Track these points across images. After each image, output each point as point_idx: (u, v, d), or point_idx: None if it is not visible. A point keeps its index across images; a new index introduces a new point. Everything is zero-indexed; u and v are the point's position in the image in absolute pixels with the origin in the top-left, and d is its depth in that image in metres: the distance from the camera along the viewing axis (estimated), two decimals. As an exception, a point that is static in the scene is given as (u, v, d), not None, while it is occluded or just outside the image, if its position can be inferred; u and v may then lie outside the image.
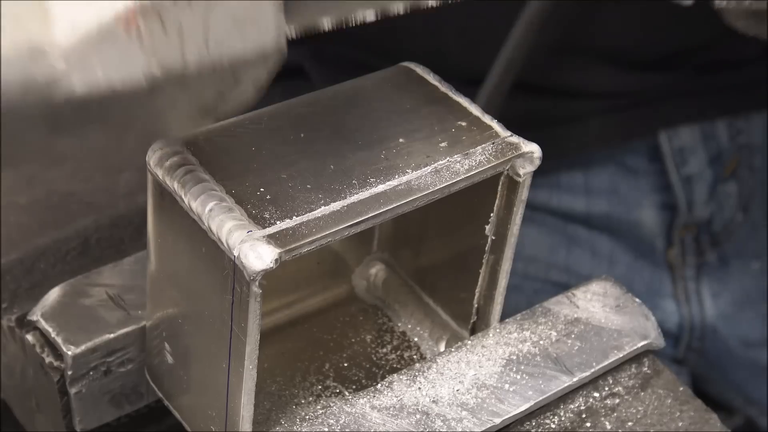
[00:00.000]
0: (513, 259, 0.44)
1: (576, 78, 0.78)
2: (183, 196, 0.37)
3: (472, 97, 0.69)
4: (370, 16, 0.36)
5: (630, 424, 0.44)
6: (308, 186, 0.38)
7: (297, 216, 0.37)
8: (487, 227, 0.43)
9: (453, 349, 0.44)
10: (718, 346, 0.83)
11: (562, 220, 0.80)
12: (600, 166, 0.80)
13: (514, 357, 0.44)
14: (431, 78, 0.44)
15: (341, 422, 0.41)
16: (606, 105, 0.79)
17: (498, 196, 0.42)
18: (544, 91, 0.79)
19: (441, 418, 0.41)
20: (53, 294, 0.46)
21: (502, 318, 0.45)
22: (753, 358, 0.83)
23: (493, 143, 0.41)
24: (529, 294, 0.79)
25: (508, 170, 0.41)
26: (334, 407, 0.41)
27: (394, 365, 0.47)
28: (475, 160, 0.40)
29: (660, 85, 0.79)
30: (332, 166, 0.39)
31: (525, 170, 0.41)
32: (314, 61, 0.83)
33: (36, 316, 0.45)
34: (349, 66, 0.82)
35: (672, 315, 0.82)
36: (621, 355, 0.45)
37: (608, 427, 0.44)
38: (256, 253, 0.35)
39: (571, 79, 0.79)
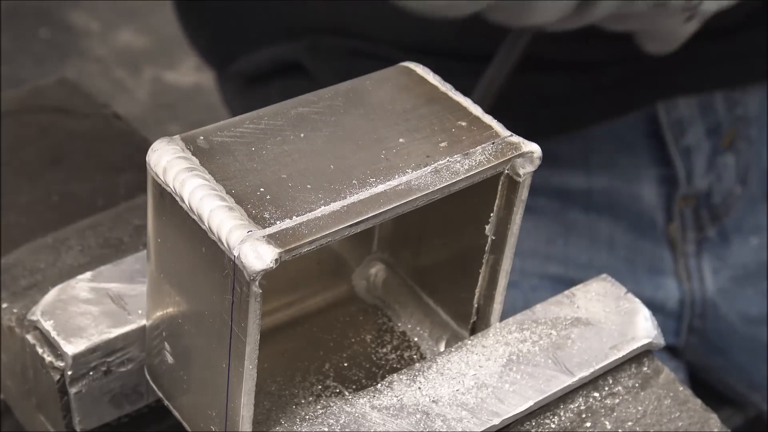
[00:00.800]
0: (513, 258, 0.44)
1: (572, 48, 0.79)
2: (183, 196, 0.37)
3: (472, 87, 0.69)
4: None
5: (630, 423, 0.44)
6: (308, 186, 0.38)
7: (297, 216, 0.37)
8: (487, 227, 0.43)
9: (453, 349, 0.44)
10: (719, 323, 0.83)
11: (561, 203, 0.80)
12: (599, 141, 0.80)
13: (514, 357, 0.44)
14: (431, 78, 0.44)
15: (341, 422, 0.41)
16: (604, 77, 0.79)
17: (498, 196, 0.42)
18: (543, 65, 0.79)
19: (441, 418, 0.41)
20: (53, 294, 0.46)
21: (502, 318, 0.45)
22: (753, 334, 0.83)
23: (493, 143, 0.41)
24: (526, 291, 0.79)
25: (508, 170, 0.41)
26: (334, 407, 0.41)
27: (394, 365, 0.47)
28: (475, 160, 0.40)
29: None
30: (332, 166, 0.39)
31: (525, 170, 0.41)
32: (311, 54, 0.83)
33: (36, 315, 0.45)
34: (346, 55, 0.82)
35: (673, 292, 0.82)
36: (621, 355, 0.45)
37: (608, 427, 0.44)
38: (256, 253, 0.35)
39: (567, 49, 0.79)
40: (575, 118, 0.80)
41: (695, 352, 0.85)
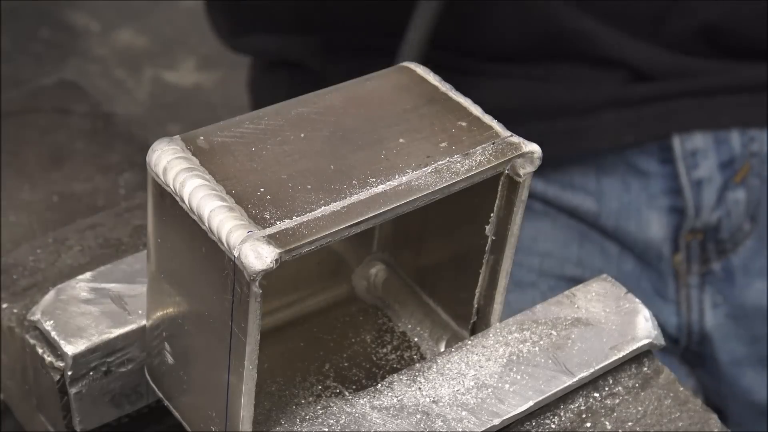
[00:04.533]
0: (513, 258, 0.44)
1: (588, 62, 0.79)
2: (183, 196, 0.37)
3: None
4: None
5: (630, 424, 0.44)
6: (308, 186, 0.38)
7: (297, 216, 0.37)
8: (487, 227, 0.43)
9: (453, 349, 0.44)
10: (711, 357, 0.83)
11: (575, 218, 0.81)
12: (612, 166, 0.80)
13: (514, 357, 0.44)
14: (431, 78, 0.44)
15: (341, 422, 0.41)
16: (619, 97, 0.79)
17: (498, 196, 0.42)
18: (555, 75, 0.80)
19: (441, 418, 0.41)
20: (53, 294, 0.46)
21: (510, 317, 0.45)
22: (737, 376, 0.84)
23: (494, 143, 0.41)
24: (545, 291, 0.79)
25: (508, 170, 0.41)
26: (334, 407, 0.41)
27: (394, 365, 0.47)
28: (475, 160, 0.40)
29: (673, 70, 0.79)
30: (332, 166, 0.39)
31: (525, 170, 0.41)
32: (315, 53, 0.83)
33: (36, 316, 0.45)
34: (344, 49, 0.82)
35: (672, 319, 0.82)
36: (621, 355, 0.45)
37: (608, 427, 0.44)
38: (256, 253, 0.35)
39: (583, 62, 0.79)
40: (589, 138, 0.79)
41: (693, 369, 0.85)
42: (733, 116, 0.80)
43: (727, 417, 0.86)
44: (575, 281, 0.80)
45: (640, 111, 0.79)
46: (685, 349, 0.83)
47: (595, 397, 0.45)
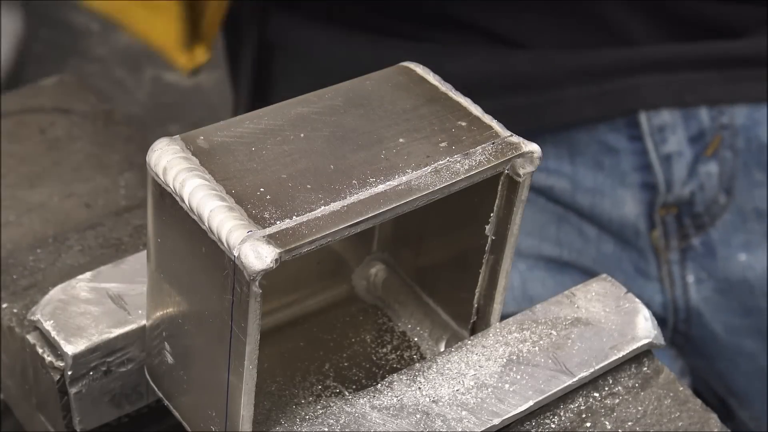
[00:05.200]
0: (513, 258, 0.44)
1: (546, 26, 0.79)
2: (183, 196, 0.37)
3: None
4: None
5: (630, 423, 0.44)
6: (308, 186, 0.38)
7: (297, 216, 0.37)
8: (487, 227, 0.43)
9: (453, 349, 0.44)
10: (703, 331, 0.83)
11: (552, 201, 0.81)
12: (585, 146, 0.80)
13: (514, 357, 0.44)
14: (431, 78, 0.44)
15: (341, 422, 0.41)
16: (580, 68, 0.79)
17: (498, 196, 0.42)
18: (510, 44, 0.80)
19: (441, 418, 0.41)
20: (53, 294, 0.46)
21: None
22: (736, 343, 0.84)
23: (493, 143, 0.41)
24: (523, 271, 0.79)
25: (508, 170, 0.41)
26: (334, 407, 0.41)
27: (394, 365, 0.47)
28: (475, 160, 0.40)
29: (636, 48, 0.80)
30: (332, 166, 0.39)
31: (525, 170, 0.41)
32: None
33: (36, 316, 0.45)
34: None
35: (657, 296, 0.82)
36: (621, 355, 0.45)
37: (608, 427, 0.44)
38: (256, 253, 0.35)
39: (539, 28, 0.79)
40: (554, 113, 0.79)
41: (681, 351, 0.85)
42: (699, 94, 0.80)
43: (726, 398, 0.86)
44: (553, 261, 0.80)
45: (603, 86, 0.79)
46: (674, 330, 0.83)
47: (595, 397, 0.45)
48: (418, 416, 0.41)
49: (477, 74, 0.78)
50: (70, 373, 0.44)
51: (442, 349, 0.47)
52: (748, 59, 0.80)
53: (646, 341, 0.45)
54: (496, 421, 0.42)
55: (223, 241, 0.36)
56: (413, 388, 0.42)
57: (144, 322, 0.44)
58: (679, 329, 0.84)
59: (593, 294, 0.47)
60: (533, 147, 0.41)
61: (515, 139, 0.41)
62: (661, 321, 0.83)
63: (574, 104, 0.79)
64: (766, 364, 0.83)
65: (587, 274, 0.81)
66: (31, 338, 0.45)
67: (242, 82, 0.88)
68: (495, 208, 0.42)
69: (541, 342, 0.44)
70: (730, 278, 0.82)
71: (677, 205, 0.81)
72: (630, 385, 0.45)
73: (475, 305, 0.45)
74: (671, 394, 0.45)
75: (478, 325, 0.46)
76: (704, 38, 0.81)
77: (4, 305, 0.47)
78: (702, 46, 0.80)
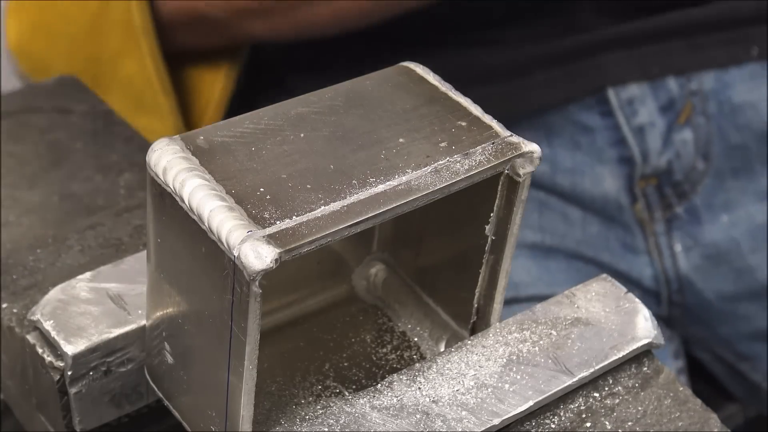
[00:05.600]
0: (513, 257, 0.44)
1: (515, 22, 0.80)
2: (183, 196, 0.37)
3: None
4: None
5: (630, 424, 0.44)
6: (308, 186, 0.38)
7: (297, 216, 0.37)
8: (487, 227, 0.43)
9: (453, 349, 0.44)
10: (697, 298, 0.84)
11: (533, 187, 0.81)
12: (560, 127, 0.81)
13: (514, 357, 0.44)
14: (431, 78, 0.44)
15: (341, 422, 0.41)
16: (547, 55, 0.80)
17: (498, 196, 0.42)
18: (481, 42, 0.81)
19: (441, 418, 0.41)
20: (53, 294, 0.46)
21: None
22: (731, 310, 0.84)
23: (493, 143, 0.41)
24: None
25: (508, 170, 0.41)
26: (334, 407, 0.41)
27: (394, 365, 0.47)
28: (475, 160, 0.40)
29: (600, 26, 0.80)
30: (332, 166, 0.39)
31: (525, 170, 0.41)
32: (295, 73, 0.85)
33: (36, 316, 0.45)
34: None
35: (647, 269, 0.82)
36: (621, 355, 0.45)
37: (608, 427, 0.44)
38: (256, 253, 0.35)
39: (508, 24, 0.80)
40: (524, 99, 0.80)
41: (680, 324, 0.86)
42: (665, 64, 0.81)
43: (736, 365, 0.86)
44: (537, 248, 0.81)
45: (569, 68, 0.80)
46: (669, 302, 0.84)
47: (595, 397, 0.45)
48: (418, 416, 0.41)
49: (448, 69, 0.79)
50: (70, 373, 0.44)
51: (442, 349, 0.47)
52: (711, 24, 0.81)
53: (646, 341, 0.45)
54: (496, 421, 0.42)
55: (223, 241, 0.36)
56: (413, 388, 0.42)
57: (144, 322, 0.44)
58: (674, 300, 0.84)
59: (593, 294, 0.47)
60: (533, 147, 0.41)
61: (515, 139, 0.41)
62: (654, 294, 0.83)
63: (543, 88, 0.80)
64: (766, 325, 0.83)
65: (571, 257, 0.82)
66: (31, 338, 0.45)
67: None
68: (495, 208, 0.42)
69: (541, 342, 0.44)
70: (717, 242, 0.82)
71: (656, 175, 0.82)
72: (630, 385, 0.45)
73: (475, 305, 0.45)
74: (671, 394, 0.45)
75: (478, 325, 0.46)
76: (666, 9, 0.81)
77: (4, 305, 0.47)
78: (663, 18, 0.81)
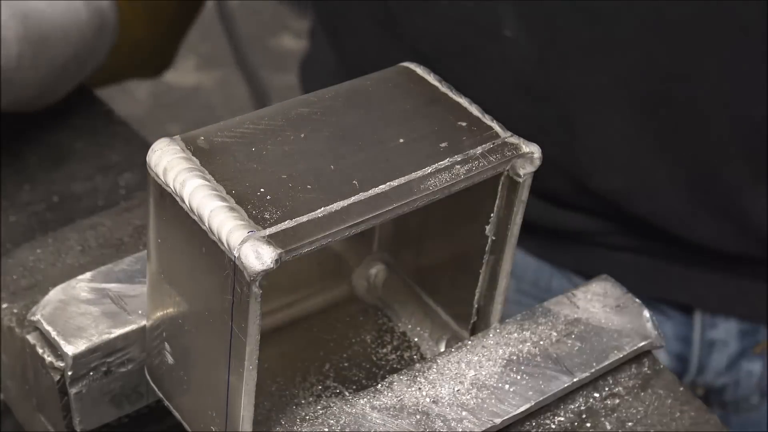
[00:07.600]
0: (513, 258, 0.44)
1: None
2: (183, 197, 0.37)
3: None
4: None
5: (630, 424, 0.44)
6: (308, 186, 0.38)
7: (297, 216, 0.37)
8: (488, 227, 0.43)
9: (453, 350, 0.44)
10: None
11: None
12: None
13: (514, 357, 0.44)
14: (431, 78, 0.44)
15: (341, 422, 0.41)
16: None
17: (498, 196, 0.42)
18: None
19: (441, 418, 0.41)
20: (53, 294, 0.46)
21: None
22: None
23: (493, 144, 0.41)
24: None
25: (508, 170, 0.41)
26: (334, 407, 0.41)
27: (394, 365, 0.47)
28: (476, 161, 0.40)
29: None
30: (332, 167, 0.39)
31: (525, 171, 0.41)
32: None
33: (36, 316, 0.45)
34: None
35: None
36: (621, 356, 0.45)
37: (608, 427, 0.44)
38: (257, 254, 0.35)
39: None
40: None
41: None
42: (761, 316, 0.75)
43: None
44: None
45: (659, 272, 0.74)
46: None
47: (595, 398, 0.45)
48: (418, 417, 0.41)
49: None
50: (70, 373, 0.44)
51: (443, 350, 0.47)
52: None
53: (646, 341, 0.45)
54: (497, 421, 0.42)
55: (224, 241, 0.36)
56: (413, 389, 0.42)
57: (144, 322, 0.44)
58: None
59: (593, 294, 0.47)
60: (533, 147, 0.41)
61: (515, 139, 0.41)
62: None
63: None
64: None
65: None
66: (31, 338, 0.45)
67: None
68: (495, 209, 0.42)
69: (541, 342, 0.44)
70: None
71: (705, 388, 0.77)
72: (630, 385, 0.45)
73: (476, 305, 0.45)
74: (672, 395, 0.45)
75: (478, 325, 0.46)
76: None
77: (4, 305, 0.47)
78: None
